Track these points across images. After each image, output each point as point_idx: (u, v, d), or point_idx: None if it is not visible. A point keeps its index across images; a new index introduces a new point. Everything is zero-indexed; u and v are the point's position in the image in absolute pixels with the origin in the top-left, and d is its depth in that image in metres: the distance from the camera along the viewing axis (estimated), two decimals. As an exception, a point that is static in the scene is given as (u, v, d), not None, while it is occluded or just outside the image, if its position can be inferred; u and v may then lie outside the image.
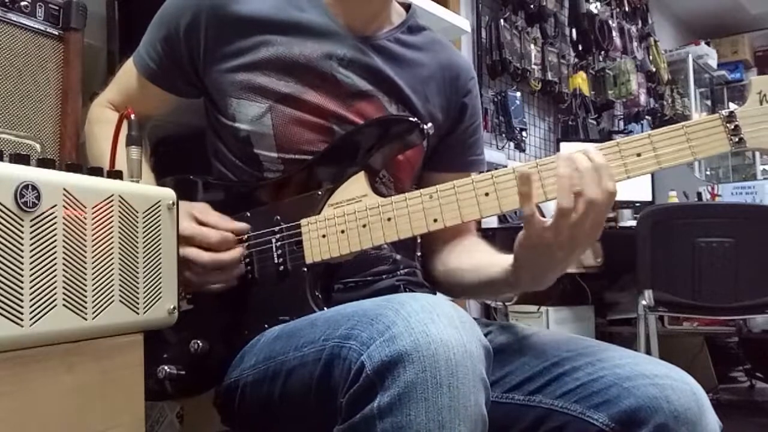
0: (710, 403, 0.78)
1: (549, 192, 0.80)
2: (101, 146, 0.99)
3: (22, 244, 0.55)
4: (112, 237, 0.63)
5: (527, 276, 0.86)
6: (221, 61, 0.96)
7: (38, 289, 0.56)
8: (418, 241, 1.09)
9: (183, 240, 0.84)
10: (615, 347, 0.86)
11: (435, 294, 1.03)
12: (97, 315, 0.61)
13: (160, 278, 0.69)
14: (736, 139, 0.79)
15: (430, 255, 1.07)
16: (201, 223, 0.89)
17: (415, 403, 0.62)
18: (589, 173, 0.77)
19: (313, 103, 0.95)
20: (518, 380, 0.85)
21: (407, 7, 1.09)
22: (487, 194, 0.83)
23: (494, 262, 0.92)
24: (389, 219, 0.85)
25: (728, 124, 0.79)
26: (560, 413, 0.80)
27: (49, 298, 0.57)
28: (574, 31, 3.68)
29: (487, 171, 0.93)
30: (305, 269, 0.88)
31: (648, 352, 2.32)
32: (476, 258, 0.99)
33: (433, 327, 0.64)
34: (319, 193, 0.90)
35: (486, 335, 0.89)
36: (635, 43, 4.20)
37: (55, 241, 0.58)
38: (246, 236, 0.92)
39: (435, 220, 0.84)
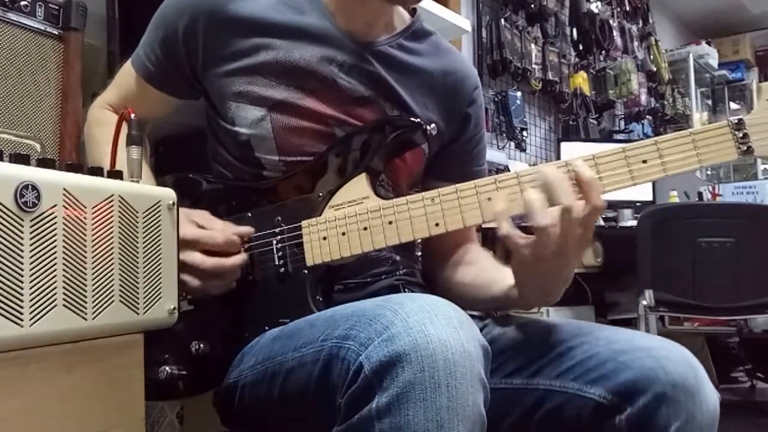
0: (707, 375, 0.78)
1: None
2: (100, 149, 0.99)
3: (22, 244, 0.55)
4: (112, 237, 0.63)
5: (533, 292, 0.85)
6: (220, 64, 0.95)
7: (38, 289, 0.56)
8: (418, 241, 1.08)
9: (186, 245, 0.83)
10: (610, 327, 0.86)
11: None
12: (97, 315, 0.61)
13: (160, 278, 0.69)
14: (745, 148, 0.78)
15: (433, 267, 1.06)
16: (203, 228, 0.89)
17: (413, 403, 0.62)
18: (564, 187, 0.76)
19: (313, 109, 0.94)
20: (516, 365, 0.85)
21: (413, 12, 1.07)
22: (489, 199, 0.82)
23: (497, 279, 0.91)
24: (390, 222, 0.85)
25: (737, 132, 0.78)
26: (558, 392, 0.81)
27: (49, 298, 0.57)
28: (574, 30, 3.68)
29: (488, 171, 0.93)
30: (306, 271, 0.88)
31: (648, 352, 2.31)
32: (481, 274, 0.97)
33: (432, 327, 0.64)
34: (320, 194, 0.90)
35: (483, 328, 0.89)
36: (636, 43, 4.20)
37: (55, 241, 0.58)
38: (248, 237, 0.92)
39: (437, 224, 0.84)
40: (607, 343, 0.80)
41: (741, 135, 0.78)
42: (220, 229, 0.88)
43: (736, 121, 0.78)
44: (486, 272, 0.97)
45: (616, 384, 0.77)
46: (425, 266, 1.08)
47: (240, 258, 0.89)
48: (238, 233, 0.89)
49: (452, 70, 1.06)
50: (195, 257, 0.85)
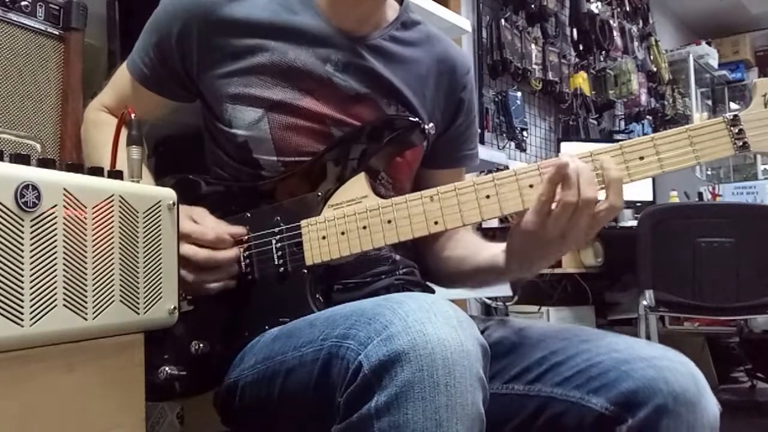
0: (708, 385, 0.79)
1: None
2: (98, 150, 0.99)
3: (22, 244, 0.55)
4: (112, 237, 0.63)
5: (515, 263, 0.87)
6: (215, 67, 0.95)
7: (38, 289, 0.56)
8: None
9: (180, 238, 0.84)
10: (611, 333, 0.86)
11: (433, 293, 1.03)
12: (97, 315, 0.61)
13: (160, 278, 0.69)
14: (740, 143, 0.78)
15: (426, 249, 1.07)
16: (197, 223, 0.89)
17: (412, 402, 0.62)
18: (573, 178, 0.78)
19: (310, 109, 0.94)
20: (517, 371, 0.85)
21: (400, 1, 1.07)
22: (488, 197, 0.82)
23: (482, 249, 0.94)
24: (389, 221, 0.85)
25: (732, 128, 0.79)
26: (560, 400, 0.81)
27: (49, 298, 0.57)
28: (575, 30, 3.68)
29: (488, 171, 0.93)
30: (305, 271, 0.88)
31: (649, 352, 2.31)
32: (468, 247, 1.00)
33: (431, 326, 0.64)
34: (319, 194, 0.90)
35: (483, 331, 0.90)
36: (636, 43, 4.20)
37: (56, 241, 0.58)
38: (246, 237, 0.92)
39: (436, 223, 0.84)
40: (609, 351, 0.81)
41: (737, 131, 0.79)
42: (212, 227, 0.89)
43: (731, 117, 0.79)
44: (472, 244, 1.00)
45: (618, 394, 0.77)
46: (415, 247, 1.09)
47: (232, 252, 0.89)
48: (230, 233, 0.90)
49: (444, 56, 1.06)
50: (187, 249, 0.86)
